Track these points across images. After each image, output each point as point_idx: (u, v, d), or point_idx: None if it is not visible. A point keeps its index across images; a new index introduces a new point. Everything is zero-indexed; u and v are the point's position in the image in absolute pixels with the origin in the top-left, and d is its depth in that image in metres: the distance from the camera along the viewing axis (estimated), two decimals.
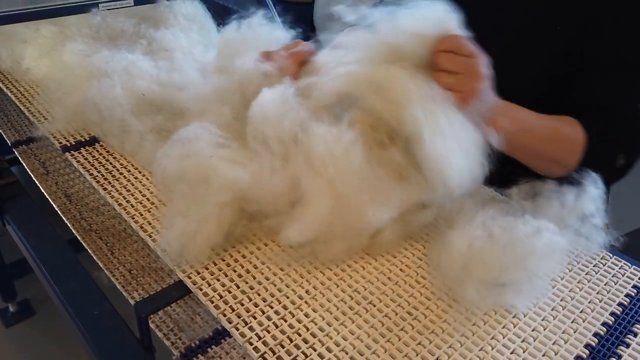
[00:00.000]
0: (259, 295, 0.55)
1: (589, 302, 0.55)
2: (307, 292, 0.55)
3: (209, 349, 0.63)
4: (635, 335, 0.52)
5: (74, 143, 0.78)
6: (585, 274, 0.59)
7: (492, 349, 0.50)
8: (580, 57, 0.68)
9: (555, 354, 0.49)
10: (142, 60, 0.75)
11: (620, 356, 0.50)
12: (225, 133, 0.59)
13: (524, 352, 0.49)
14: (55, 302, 0.65)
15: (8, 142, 1.02)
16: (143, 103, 0.70)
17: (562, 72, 0.70)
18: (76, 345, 1.52)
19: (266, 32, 0.77)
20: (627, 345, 0.51)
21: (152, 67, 0.74)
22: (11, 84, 0.94)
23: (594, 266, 0.60)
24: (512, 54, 0.70)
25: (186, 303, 0.68)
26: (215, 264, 0.59)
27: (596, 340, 0.51)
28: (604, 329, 0.52)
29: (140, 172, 0.73)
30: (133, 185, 0.71)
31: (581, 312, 0.54)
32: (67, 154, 0.77)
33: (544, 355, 0.49)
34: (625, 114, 0.66)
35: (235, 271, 0.58)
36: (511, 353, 0.49)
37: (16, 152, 0.99)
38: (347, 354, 0.49)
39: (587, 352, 0.50)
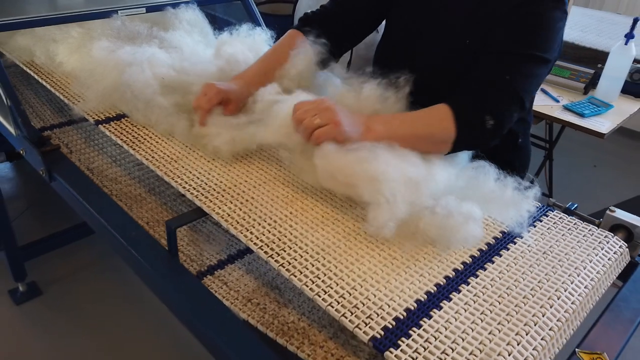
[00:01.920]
0: (256, 214, 0.76)
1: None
2: (290, 212, 0.77)
3: (215, 272, 0.83)
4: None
5: (104, 118, 0.99)
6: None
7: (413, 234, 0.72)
8: (477, 48, 0.86)
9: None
10: (159, 53, 0.96)
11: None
12: None
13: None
14: (101, 231, 0.85)
15: (35, 127, 1.21)
16: (163, 85, 0.91)
17: (465, 59, 0.88)
18: (80, 318, 1.67)
19: (251, 39, 1.01)
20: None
21: (168, 58, 0.96)
22: (45, 76, 1.14)
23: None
24: (433, 44, 0.91)
25: (194, 243, 0.89)
26: (223, 195, 0.80)
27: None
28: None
29: (160, 138, 0.93)
30: (155, 147, 0.91)
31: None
32: (100, 126, 0.97)
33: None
34: (496, 85, 0.80)
35: (237, 200, 0.79)
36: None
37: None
38: (318, 246, 0.71)
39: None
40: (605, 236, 0.78)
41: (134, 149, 0.90)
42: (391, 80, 0.87)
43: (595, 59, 1.84)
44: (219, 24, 1.29)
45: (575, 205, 0.89)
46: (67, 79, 1.11)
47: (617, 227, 0.81)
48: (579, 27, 2.13)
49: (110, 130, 0.95)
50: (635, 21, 1.64)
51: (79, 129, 1.20)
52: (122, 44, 1.04)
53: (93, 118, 0.99)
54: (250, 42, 0.99)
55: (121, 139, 0.93)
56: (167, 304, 0.75)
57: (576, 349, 0.66)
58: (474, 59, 0.85)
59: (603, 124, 1.57)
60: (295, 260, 0.68)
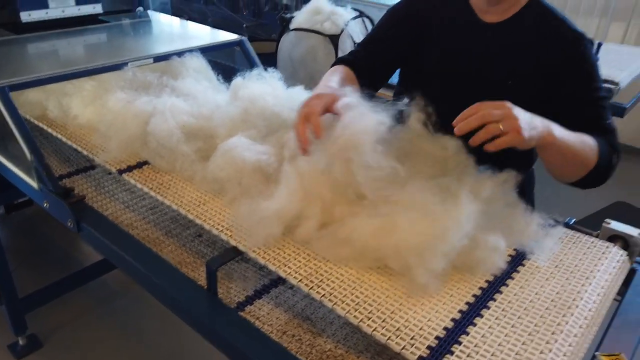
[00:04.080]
0: (289, 249, 0.81)
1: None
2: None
3: (245, 308, 0.86)
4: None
5: (126, 167, 1.03)
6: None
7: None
8: (546, 102, 0.94)
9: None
10: (178, 102, 1.02)
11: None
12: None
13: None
14: (138, 278, 0.88)
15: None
16: (185, 132, 0.96)
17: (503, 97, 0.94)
18: None
19: (263, 80, 1.08)
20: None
21: (186, 106, 1.01)
22: (59, 129, 1.17)
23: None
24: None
25: (219, 281, 0.91)
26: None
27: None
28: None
29: (184, 183, 0.98)
30: (181, 192, 0.96)
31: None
32: (123, 175, 1.01)
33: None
34: (606, 128, 0.93)
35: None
36: None
37: None
38: (353, 275, 0.76)
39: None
40: (607, 247, 0.86)
41: (161, 195, 0.94)
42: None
43: None
44: (219, 68, 1.35)
45: (573, 220, 0.97)
46: (82, 131, 1.15)
47: (614, 238, 0.89)
48: None
49: (134, 179, 0.99)
50: (599, 45, 1.79)
51: (87, 177, 1.22)
52: (137, 95, 1.09)
53: (115, 168, 1.02)
54: (264, 83, 1.06)
55: (147, 187, 0.97)
56: (213, 342, 0.78)
57: (596, 353, 0.72)
58: (514, 97, 0.94)
59: None
60: (335, 290, 0.73)
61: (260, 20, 2.69)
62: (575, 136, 0.87)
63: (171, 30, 1.57)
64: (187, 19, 3.00)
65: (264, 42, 2.65)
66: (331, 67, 1.07)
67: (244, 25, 2.74)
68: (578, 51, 0.93)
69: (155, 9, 2.11)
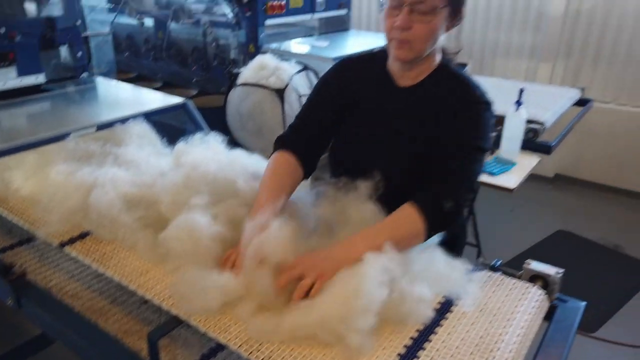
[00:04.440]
0: (230, 315, 0.83)
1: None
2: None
3: None
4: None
5: (68, 239, 1.03)
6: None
7: None
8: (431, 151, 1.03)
9: None
10: (120, 172, 1.04)
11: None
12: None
13: None
14: (79, 353, 0.87)
15: None
16: (126, 200, 0.99)
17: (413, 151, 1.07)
18: None
19: (206, 145, 1.13)
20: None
21: (128, 175, 1.04)
22: (0, 203, 1.16)
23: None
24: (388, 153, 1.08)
25: (165, 348, 0.92)
26: None
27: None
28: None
29: (126, 252, 0.99)
30: (123, 261, 0.97)
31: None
32: (65, 247, 1.01)
33: None
34: (452, 174, 1.00)
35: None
36: None
37: None
38: (295, 346, 0.79)
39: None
40: (527, 287, 0.94)
41: (104, 267, 0.95)
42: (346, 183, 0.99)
43: (496, 122, 2.13)
44: (165, 130, 1.39)
45: (500, 262, 1.04)
46: (24, 204, 1.15)
47: (535, 277, 0.97)
48: None
49: (76, 251, 1.00)
50: (521, 91, 1.95)
51: (30, 248, 1.20)
52: (79, 165, 1.11)
53: (57, 240, 1.03)
54: (207, 147, 1.10)
55: (89, 259, 0.98)
56: None
57: None
58: (421, 151, 1.03)
59: (510, 179, 1.81)
60: (274, 352, 0.76)
61: (209, 75, 2.75)
62: (387, 227, 0.94)
63: (116, 96, 1.61)
64: (137, 76, 3.05)
65: (213, 95, 2.71)
66: (274, 148, 1.12)
67: (194, 79, 2.80)
68: (473, 111, 1.03)
69: (101, 71, 2.14)
